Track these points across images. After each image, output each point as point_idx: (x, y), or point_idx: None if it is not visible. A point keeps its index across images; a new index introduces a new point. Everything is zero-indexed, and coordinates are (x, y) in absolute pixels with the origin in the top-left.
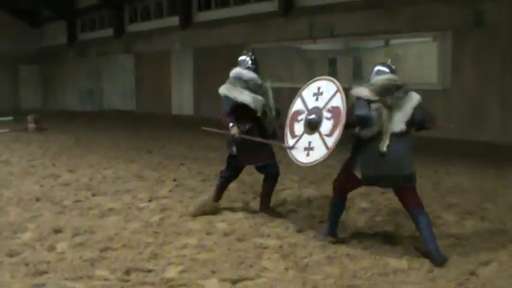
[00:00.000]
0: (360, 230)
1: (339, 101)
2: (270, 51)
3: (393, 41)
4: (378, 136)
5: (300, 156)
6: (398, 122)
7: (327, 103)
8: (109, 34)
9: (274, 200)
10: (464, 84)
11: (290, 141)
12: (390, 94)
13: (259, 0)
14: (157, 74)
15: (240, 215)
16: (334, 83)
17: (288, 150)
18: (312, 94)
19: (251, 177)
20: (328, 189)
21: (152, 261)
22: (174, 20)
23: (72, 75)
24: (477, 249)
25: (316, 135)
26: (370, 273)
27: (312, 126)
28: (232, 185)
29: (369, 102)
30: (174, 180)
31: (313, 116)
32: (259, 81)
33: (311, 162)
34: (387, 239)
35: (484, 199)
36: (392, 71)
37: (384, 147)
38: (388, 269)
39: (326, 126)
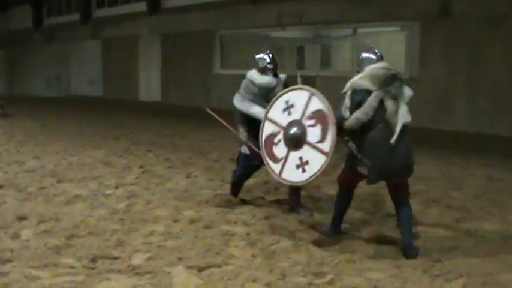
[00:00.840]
0: (328, 217)
1: (317, 104)
2: (238, 38)
3: (361, 30)
4: (383, 129)
5: (294, 176)
6: (405, 113)
7: (303, 112)
8: (76, 19)
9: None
10: (432, 74)
11: (275, 168)
12: (391, 84)
13: None
14: (125, 60)
15: (207, 202)
16: (302, 89)
17: (278, 178)
18: (281, 111)
19: (218, 164)
20: None
21: (118, 248)
22: (142, 6)
23: (39, 61)
24: (442, 237)
25: (305, 147)
26: (337, 261)
27: (296, 141)
28: (200, 172)
29: (368, 93)
30: (141, 167)
31: (294, 130)
32: (273, 85)
33: (311, 177)
34: (355, 226)
35: (450, 187)
36: (381, 58)
37: (393, 140)
38: (355, 256)
39: (313, 133)
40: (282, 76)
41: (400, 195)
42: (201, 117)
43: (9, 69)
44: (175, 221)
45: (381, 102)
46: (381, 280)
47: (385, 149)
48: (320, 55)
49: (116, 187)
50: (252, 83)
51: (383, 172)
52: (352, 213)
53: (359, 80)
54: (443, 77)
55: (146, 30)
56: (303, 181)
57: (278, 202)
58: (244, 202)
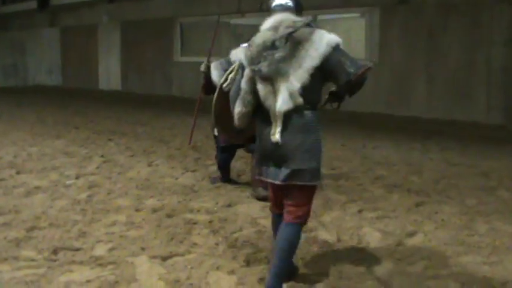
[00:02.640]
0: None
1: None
2: (198, 26)
3: (321, 17)
4: (261, 117)
5: None
6: (284, 98)
7: None
8: (33, 7)
9: (203, 174)
10: (391, 60)
11: None
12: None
13: None
14: (84, 48)
15: (169, 190)
16: None
17: None
18: None
19: (179, 151)
20: None
21: (80, 239)
22: None
23: None
24: (403, 221)
25: None
26: (299, 247)
27: None
28: (162, 161)
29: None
30: (102, 156)
31: None
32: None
33: None
34: (316, 213)
35: (410, 172)
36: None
37: (273, 132)
38: (318, 242)
39: None
40: None
41: (287, 206)
42: (162, 105)
43: None
44: (137, 210)
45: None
46: (346, 265)
47: (261, 139)
48: None
49: (77, 177)
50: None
51: (262, 168)
52: (316, 199)
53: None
54: (402, 63)
55: (105, 18)
56: None
57: (240, 190)
58: (235, 182)
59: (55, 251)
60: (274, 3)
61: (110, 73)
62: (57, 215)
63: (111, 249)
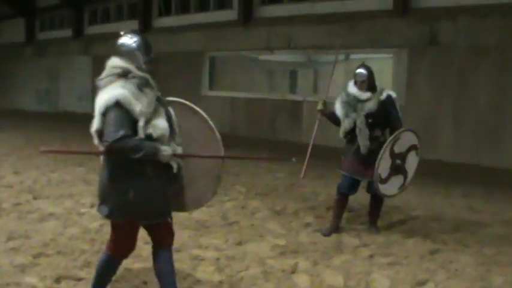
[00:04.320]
0: (300, 244)
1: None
2: (228, 60)
3: (354, 56)
4: None
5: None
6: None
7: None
8: (68, 35)
9: (217, 210)
10: (419, 102)
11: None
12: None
13: (219, 9)
14: None
15: (181, 224)
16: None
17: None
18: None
19: None
20: (274, 202)
21: (85, 269)
22: (134, 24)
23: (29, 74)
24: (415, 268)
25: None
26: None
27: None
28: None
29: None
30: None
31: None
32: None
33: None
34: (326, 255)
35: (429, 218)
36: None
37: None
38: (323, 287)
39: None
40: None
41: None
42: None
43: None
44: (146, 243)
45: None
46: None
47: None
48: (313, 80)
49: (92, 206)
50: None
51: None
52: (326, 242)
53: None
54: (429, 106)
55: None
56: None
57: (252, 228)
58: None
59: (58, 280)
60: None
61: None
62: (66, 242)
63: (113, 282)
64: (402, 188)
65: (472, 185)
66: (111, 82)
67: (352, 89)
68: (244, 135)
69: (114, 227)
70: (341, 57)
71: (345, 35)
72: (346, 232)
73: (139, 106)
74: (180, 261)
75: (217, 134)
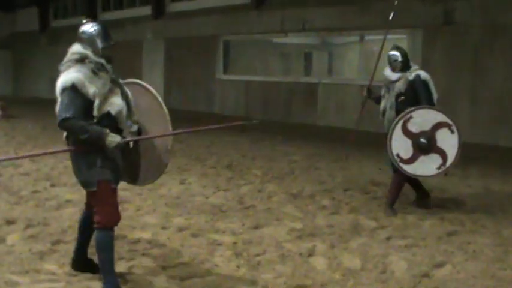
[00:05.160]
0: (317, 227)
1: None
2: (242, 44)
3: (368, 37)
4: None
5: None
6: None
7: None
8: (82, 22)
9: (234, 194)
10: (434, 83)
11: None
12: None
13: None
14: (129, 64)
15: (197, 209)
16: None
17: None
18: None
19: (213, 170)
20: (290, 185)
21: None
22: (147, 10)
23: (45, 62)
24: (432, 250)
25: None
26: (322, 274)
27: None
28: (194, 179)
29: None
30: None
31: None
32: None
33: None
34: (343, 238)
35: (445, 199)
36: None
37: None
38: (341, 270)
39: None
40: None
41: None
42: (203, 123)
43: (15, 70)
44: (164, 228)
45: None
46: None
47: None
48: (327, 62)
49: None
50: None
51: None
52: (342, 225)
53: None
54: (445, 86)
55: (150, 35)
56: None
57: (269, 211)
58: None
59: None
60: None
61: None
62: None
63: (131, 267)
64: (442, 167)
65: (489, 166)
66: (69, 67)
67: (386, 71)
68: (259, 119)
69: (93, 198)
70: (388, 36)
71: (359, 16)
72: (363, 214)
73: (93, 88)
74: (197, 246)
75: (165, 109)
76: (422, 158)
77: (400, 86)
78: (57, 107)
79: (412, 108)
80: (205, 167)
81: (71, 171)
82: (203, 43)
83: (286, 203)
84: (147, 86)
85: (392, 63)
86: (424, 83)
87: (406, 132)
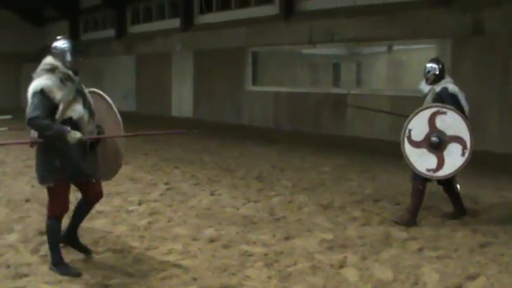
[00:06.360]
0: (348, 238)
1: None
2: (270, 55)
3: (396, 47)
4: None
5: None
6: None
7: None
8: (111, 35)
9: (264, 205)
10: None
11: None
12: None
13: (260, 4)
14: (158, 76)
15: (228, 220)
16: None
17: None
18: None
19: (243, 181)
20: (320, 196)
21: (135, 266)
22: (176, 22)
23: None
24: (465, 262)
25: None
26: (354, 285)
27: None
28: (225, 190)
29: None
30: (166, 183)
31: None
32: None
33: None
34: (374, 249)
35: (477, 210)
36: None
37: None
38: (372, 281)
39: None
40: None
41: None
42: (231, 134)
43: None
44: (195, 239)
45: None
46: None
47: None
48: (356, 72)
49: (139, 204)
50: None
51: None
52: (373, 236)
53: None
54: (475, 96)
55: (179, 47)
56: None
57: (300, 223)
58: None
59: (108, 277)
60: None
61: (182, 100)
62: (115, 240)
63: (163, 278)
64: (432, 174)
65: None
66: (40, 75)
67: (421, 83)
68: (287, 130)
69: (48, 192)
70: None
71: (387, 26)
72: (394, 225)
73: (59, 94)
74: (229, 257)
75: (118, 116)
76: (423, 151)
77: (429, 99)
78: (27, 108)
79: (453, 107)
80: (235, 179)
81: (102, 183)
82: (231, 55)
83: (316, 214)
84: (104, 95)
85: (426, 75)
86: (452, 96)
87: (431, 121)
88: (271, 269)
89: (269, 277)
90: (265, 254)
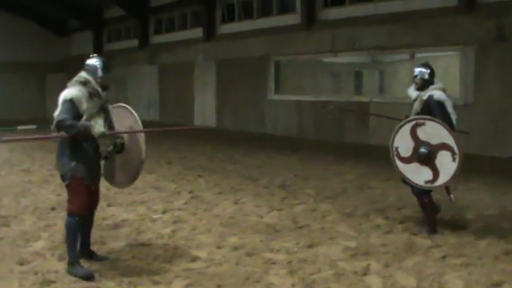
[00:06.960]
0: (371, 246)
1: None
2: (293, 64)
3: (419, 55)
4: None
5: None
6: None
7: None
8: (134, 45)
9: (288, 213)
10: (487, 100)
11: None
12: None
13: (281, 13)
14: (181, 85)
15: (252, 229)
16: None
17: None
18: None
19: (267, 190)
20: (343, 204)
21: (160, 274)
22: (198, 32)
23: None
24: (489, 269)
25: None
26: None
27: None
28: (248, 199)
29: None
30: (190, 192)
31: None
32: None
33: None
34: (398, 257)
35: (502, 217)
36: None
37: None
38: None
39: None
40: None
41: None
42: (254, 143)
43: None
44: (219, 247)
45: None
46: None
47: None
48: (378, 80)
49: (164, 212)
50: None
51: None
52: (396, 243)
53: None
54: (498, 102)
55: (202, 56)
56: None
57: (323, 231)
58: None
59: (134, 284)
60: None
61: (205, 110)
62: (140, 248)
63: (187, 286)
64: (431, 185)
65: None
66: (74, 85)
67: (410, 89)
68: (311, 139)
69: (68, 189)
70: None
71: (409, 34)
72: (417, 233)
73: (85, 106)
74: (253, 265)
75: (141, 126)
76: (416, 165)
77: (416, 106)
78: (56, 112)
79: (430, 117)
80: (258, 187)
81: (127, 192)
82: (254, 64)
83: (339, 222)
84: (130, 109)
85: (413, 79)
86: (439, 103)
87: (413, 134)
88: (295, 277)
89: (293, 284)
90: (289, 262)
